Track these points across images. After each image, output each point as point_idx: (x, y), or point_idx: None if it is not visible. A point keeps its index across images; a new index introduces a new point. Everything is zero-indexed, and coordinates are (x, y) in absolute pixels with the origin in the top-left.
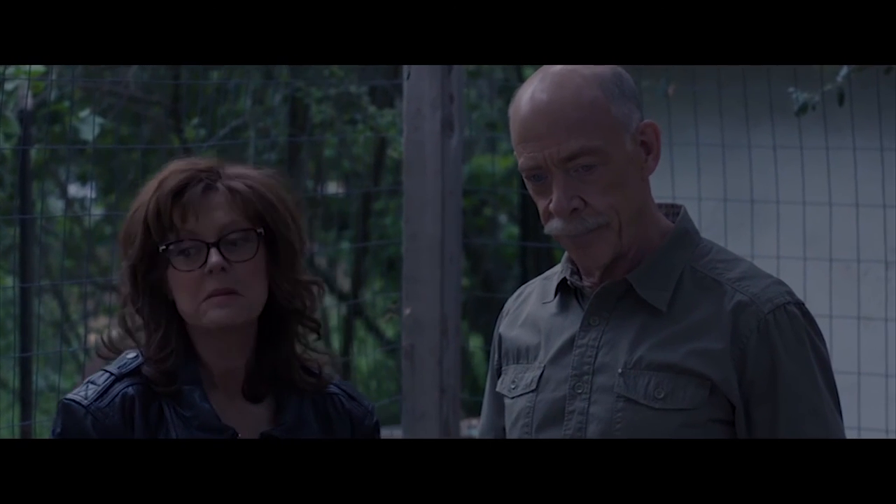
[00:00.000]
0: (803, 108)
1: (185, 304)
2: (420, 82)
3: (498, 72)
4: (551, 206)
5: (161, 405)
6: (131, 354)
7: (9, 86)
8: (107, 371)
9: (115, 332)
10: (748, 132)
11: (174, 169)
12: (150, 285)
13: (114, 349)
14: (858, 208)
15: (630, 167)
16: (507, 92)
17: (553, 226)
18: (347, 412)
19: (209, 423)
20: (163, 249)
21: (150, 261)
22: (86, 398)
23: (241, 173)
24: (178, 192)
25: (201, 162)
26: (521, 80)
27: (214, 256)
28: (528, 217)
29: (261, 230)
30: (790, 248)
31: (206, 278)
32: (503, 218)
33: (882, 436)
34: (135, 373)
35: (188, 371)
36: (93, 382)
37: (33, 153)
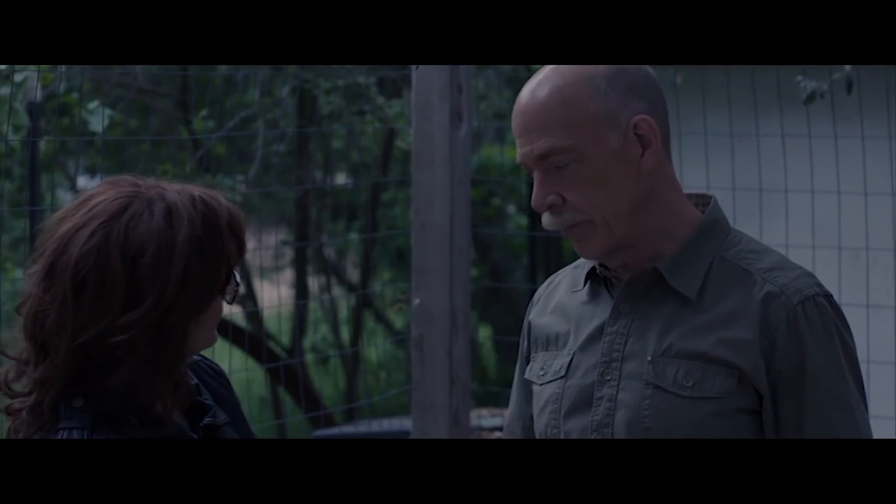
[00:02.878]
0: (811, 97)
1: (210, 334)
2: (429, 73)
3: None
4: (531, 201)
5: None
6: (78, 402)
7: (18, 77)
8: (73, 428)
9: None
10: (756, 121)
11: (219, 198)
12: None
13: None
14: (867, 197)
15: (615, 163)
16: (515, 82)
17: (543, 219)
18: (219, 372)
19: (182, 437)
20: (236, 286)
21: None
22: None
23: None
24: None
25: (169, 184)
26: (530, 70)
27: (237, 275)
28: None
29: None
30: (799, 236)
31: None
32: (511, 208)
33: (891, 423)
34: (102, 418)
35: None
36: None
37: (42, 145)
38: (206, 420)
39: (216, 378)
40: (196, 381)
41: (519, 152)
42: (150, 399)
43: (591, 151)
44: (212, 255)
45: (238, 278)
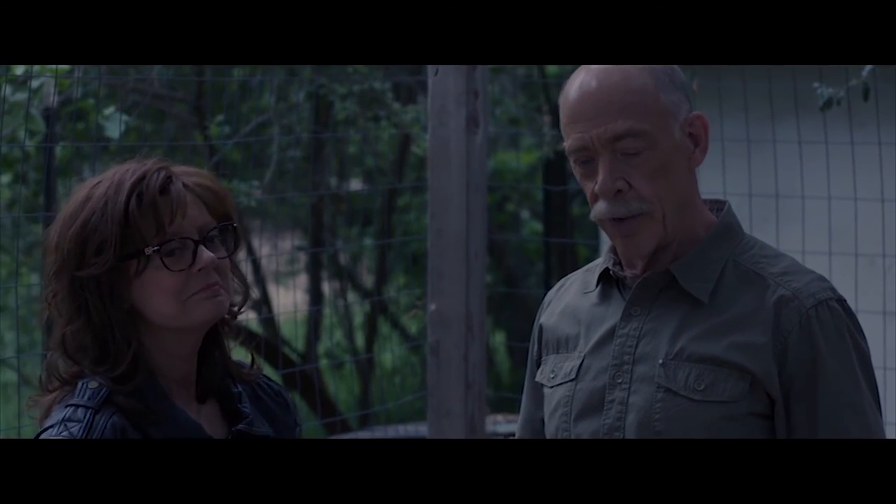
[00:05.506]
0: (828, 104)
1: (164, 307)
2: (445, 79)
3: (520, 68)
4: (596, 187)
5: (146, 431)
6: (94, 383)
7: (34, 83)
8: (77, 405)
9: (59, 362)
10: (773, 127)
11: (133, 169)
12: (115, 296)
13: (66, 380)
14: (884, 203)
15: (677, 156)
16: (529, 88)
17: (598, 209)
18: (277, 392)
19: (198, 436)
20: (154, 251)
21: (120, 268)
22: (71, 437)
23: (188, 171)
24: (163, 190)
25: (148, 161)
26: (545, 76)
27: (206, 253)
28: (551, 213)
29: (236, 225)
30: (815, 243)
31: (193, 277)
32: (526, 214)
33: None
34: (109, 401)
35: (154, 388)
36: (70, 420)
37: (58, 150)
38: (241, 426)
39: (273, 398)
40: (239, 390)
41: (584, 136)
42: (113, 349)
43: (662, 140)
44: (110, 215)
45: (170, 246)
